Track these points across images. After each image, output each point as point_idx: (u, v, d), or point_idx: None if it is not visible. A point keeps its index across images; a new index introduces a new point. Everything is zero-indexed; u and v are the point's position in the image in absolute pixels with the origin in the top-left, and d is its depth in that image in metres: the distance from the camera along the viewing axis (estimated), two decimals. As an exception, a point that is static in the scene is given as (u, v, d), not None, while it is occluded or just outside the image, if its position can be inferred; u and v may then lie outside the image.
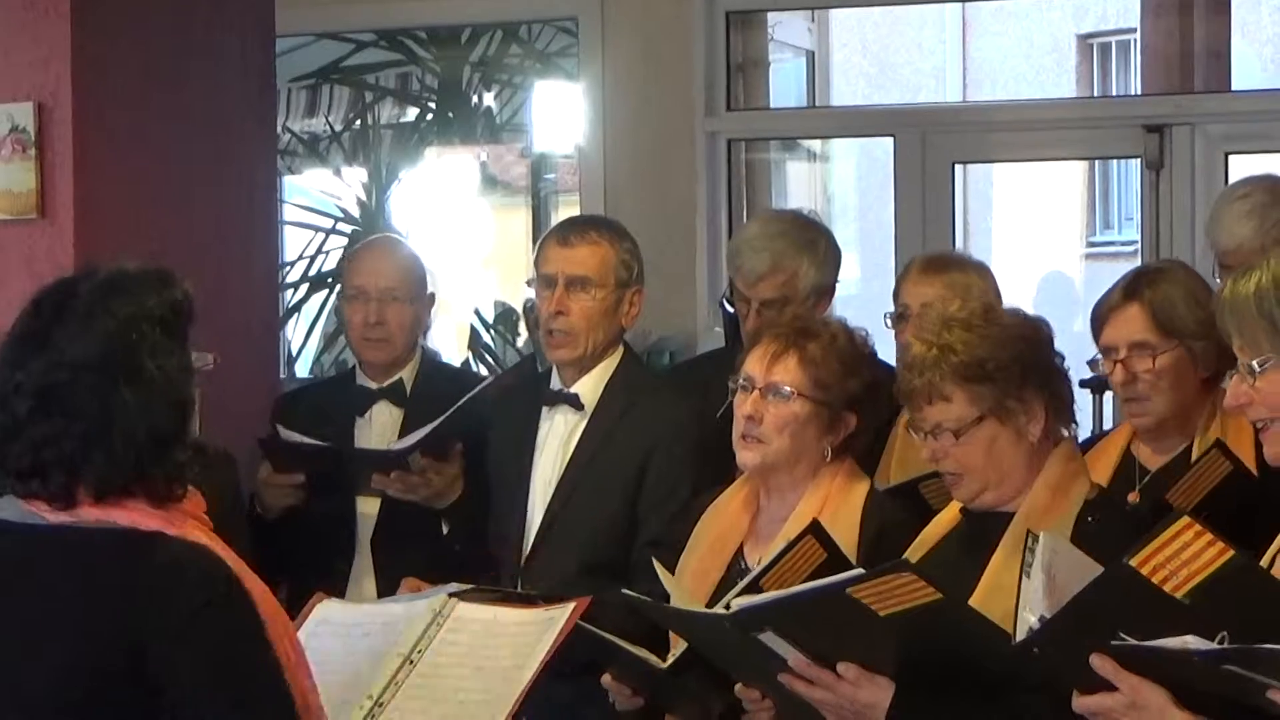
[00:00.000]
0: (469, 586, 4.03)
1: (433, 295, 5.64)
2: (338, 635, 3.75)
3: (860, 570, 3.46)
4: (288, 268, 7.66)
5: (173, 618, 3.07)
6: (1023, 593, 3.24)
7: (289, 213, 7.13)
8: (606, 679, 4.13)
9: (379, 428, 5.38)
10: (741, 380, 4.21)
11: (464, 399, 5.14)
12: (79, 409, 3.12)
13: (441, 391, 5.35)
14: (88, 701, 3.13)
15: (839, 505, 4.10)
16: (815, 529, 3.77)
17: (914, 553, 3.81)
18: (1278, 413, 3.08)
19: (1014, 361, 3.71)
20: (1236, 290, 3.10)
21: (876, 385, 4.21)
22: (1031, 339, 3.81)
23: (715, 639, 3.75)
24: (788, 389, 4.13)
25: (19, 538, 3.20)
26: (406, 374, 5.45)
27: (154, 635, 3.08)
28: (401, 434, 5.27)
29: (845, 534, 3.95)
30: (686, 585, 4.14)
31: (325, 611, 3.92)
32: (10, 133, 5.19)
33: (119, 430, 3.11)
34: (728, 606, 3.63)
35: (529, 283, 5.13)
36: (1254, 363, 3.06)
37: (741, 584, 3.79)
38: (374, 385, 5.44)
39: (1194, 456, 4.21)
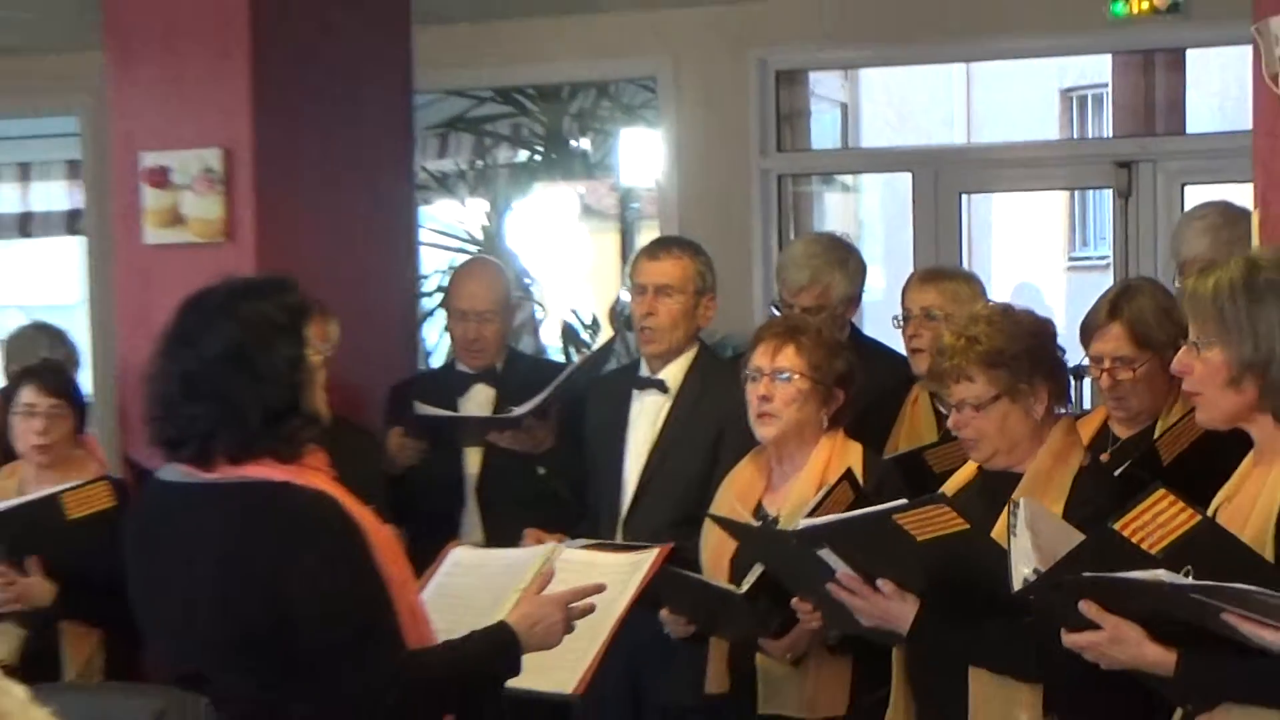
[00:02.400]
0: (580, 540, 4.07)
1: (523, 301, 5.65)
2: (468, 574, 3.74)
3: (904, 500, 3.47)
4: (424, 280, 7.60)
5: (298, 547, 3.13)
6: (1013, 550, 3.21)
7: (424, 236, 7.08)
8: (663, 613, 4.16)
9: (476, 403, 5.42)
10: (751, 371, 4.23)
11: (561, 376, 5.19)
12: (211, 392, 3.18)
13: (525, 374, 5.46)
14: (233, 610, 3.18)
15: (842, 463, 4.08)
16: (849, 476, 3.91)
17: None
18: (1206, 387, 3.07)
19: (1025, 352, 3.68)
20: (1198, 286, 3.09)
21: (853, 367, 4.26)
22: (1040, 335, 3.79)
23: (781, 554, 3.78)
24: (789, 373, 4.15)
25: (180, 492, 3.26)
26: (498, 363, 5.50)
27: (283, 561, 3.13)
28: (495, 408, 5.33)
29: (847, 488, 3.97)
30: (717, 533, 4.18)
31: (458, 555, 3.92)
32: (203, 172, 5.20)
33: (241, 409, 3.17)
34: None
35: (626, 289, 5.13)
36: (1198, 341, 3.06)
37: (804, 514, 3.82)
38: (472, 370, 5.49)
39: (1156, 434, 4.16)
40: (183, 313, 3.29)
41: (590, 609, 3.49)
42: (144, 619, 3.41)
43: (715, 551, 4.17)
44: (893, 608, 3.53)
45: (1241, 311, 3.00)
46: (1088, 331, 4.29)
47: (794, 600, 3.87)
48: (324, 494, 3.19)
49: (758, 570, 3.90)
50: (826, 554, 3.55)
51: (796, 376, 4.15)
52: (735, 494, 4.24)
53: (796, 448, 4.18)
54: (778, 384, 4.16)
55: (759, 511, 4.16)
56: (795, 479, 4.13)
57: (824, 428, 4.19)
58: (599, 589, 3.55)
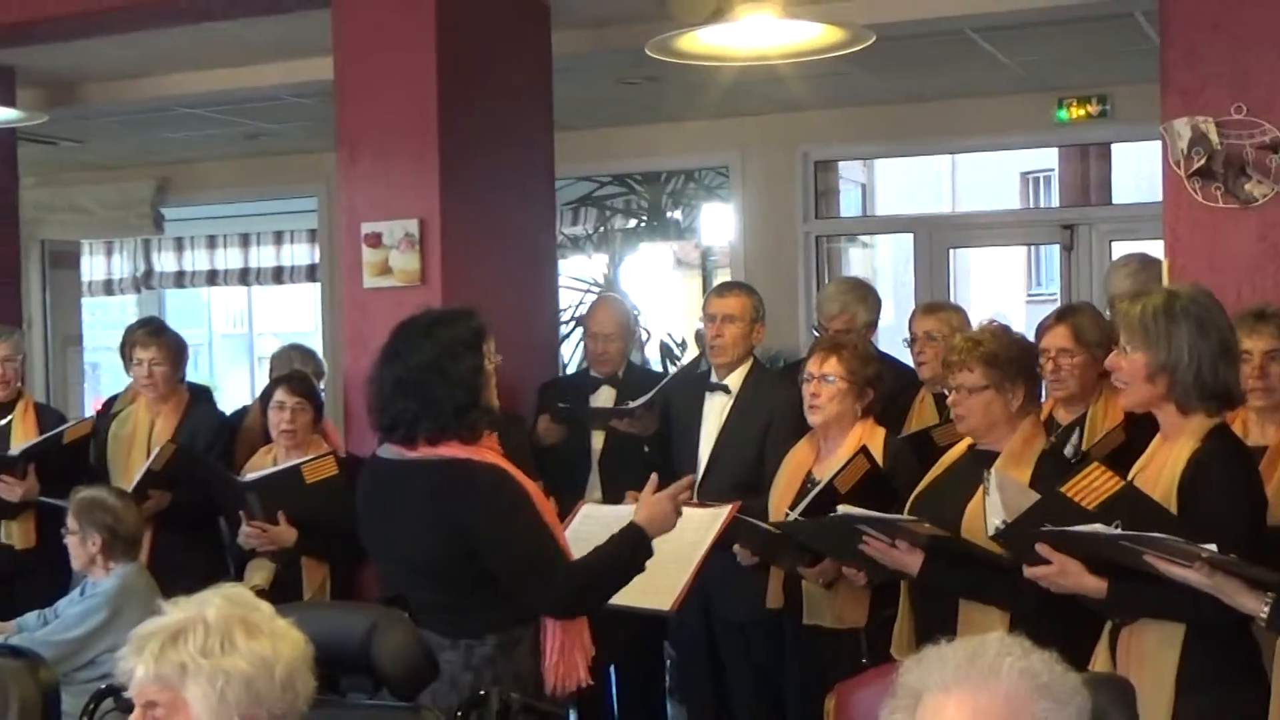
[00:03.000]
0: None
1: (637, 326, 5.62)
2: (595, 524, 3.70)
3: (906, 517, 3.56)
4: (562, 313, 7.60)
5: (480, 505, 3.15)
6: (987, 506, 3.23)
7: (562, 281, 7.08)
8: (736, 546, 4.13)
9: (602, 399, 5.39)
10: (805, 375, 4.21)
11: (664, 382, 5.19)
12: (414, 393, 3.19)
13: (637, 379, 5.45)
14: (438, 561, 3.19)
15: (869, 443, 4.05)
16: (864, 451, 3.91)
17: (934, 471, 3.77)
18: (1130, 380, 3.07)
19: (1012, 360, 3.65)
20: (1130, 307, 3.09)
21: (882, 372, 4.24)
22: (1026, 351, 3.77)
23: (828, 532, 3.76)
24: (832, 377, 4.12)
25: (393, 465, 3.28)
26: (620, 370, 5.47)
27: (471, 517, 3.15)
28: (616, 404, 5.29)
29: (876, 458, 3.97)
30: (778, 491, 4.19)
31: (587, 510, 3.92)
32: (405, 236, 5.20)
33: (437, 405, 3.19)
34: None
35: (700, 320, 5.11)
36: (1126, 346, 3.06)
37: (819, 486, 3.83)
38: (601, 376, 5.46)
39: (1087, 420, 4.13)
40: (394, 335, 3.31)
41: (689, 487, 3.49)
42: (371, 553, 3.44)
43: (777, 505, 4.15)
44: (906, 558, 3.54)
45: (1161, 327, 3.00)
46: (1040, 332, 4.26)
47: (845, 570, 3.91)
48: (497, 465, 3.21)
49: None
50: (864, 528, 3.57)
51: (837, 379, 4.11)
52: (794, 464, 4.22)
53: (837, 431, 4.14)
54: (823, 385, 4.12)
55: (809, 477, 4.13)
56: (835, 454, 4.09)
57: (858, 417, 4.15)
58: (690, 484, 3.55)
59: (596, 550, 3.30)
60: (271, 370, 5.97)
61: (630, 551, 3.32)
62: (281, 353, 6.14)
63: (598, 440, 5.30)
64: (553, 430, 5.27)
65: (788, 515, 3.93)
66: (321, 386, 5.66)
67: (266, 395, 5.11)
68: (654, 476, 3.58)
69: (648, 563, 3.37)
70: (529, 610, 3.22)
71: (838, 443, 4.13)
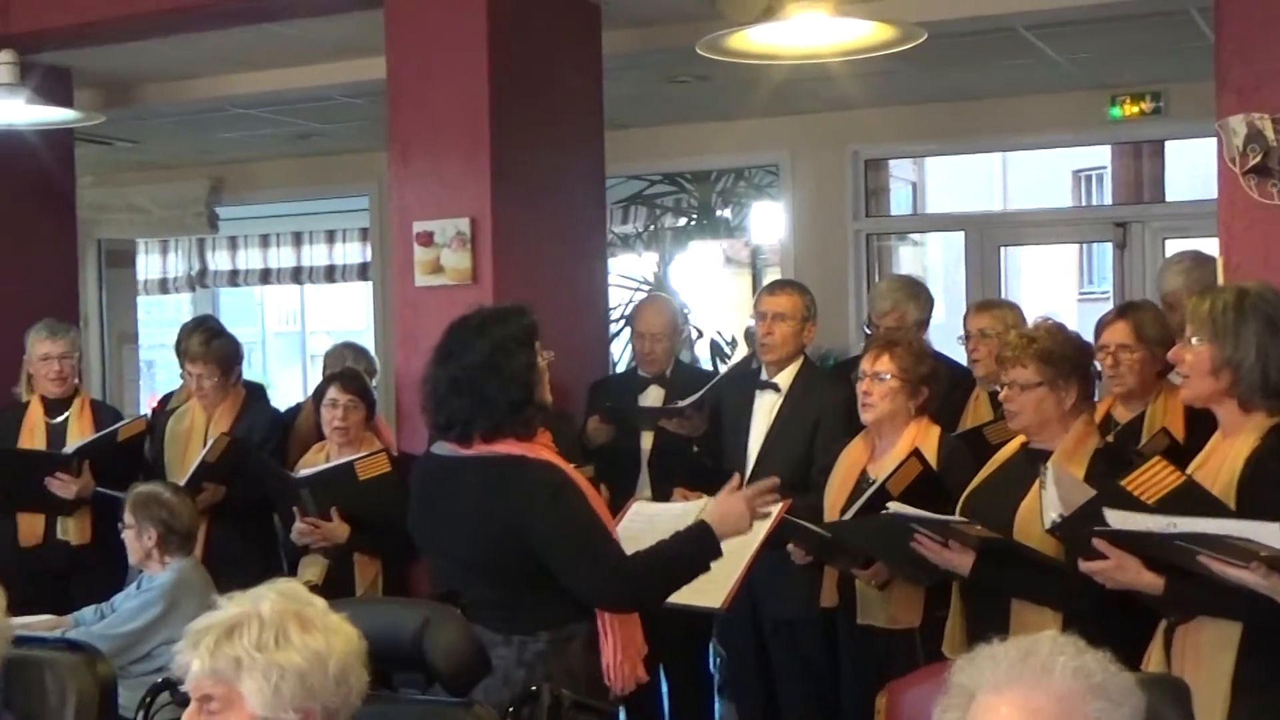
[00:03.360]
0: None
1: (686, 325, 5.60)
2: (645, 522, 3.71)
3: (957, 518, 3.53)
4: (612, 310, 7.61)
5: (535, 501, 3.15)
6: (1043, 500, 3.21)
7: (611, 280, 7.07)
8: (790, 545, 4.10)
9: (651, 399, 5.39)
10: (859, 373, 4.19)
11: (713, 382, 5.16)
12: (469, 392, 3.20)
13: (686, 378, 5.42)
14: (492, 557, 3.20)
15: (923, 442, 4.03)
16: (917, 453, 3.88)
17: (987, 469, 3.74)
18: (1193, 373, 3.05)
19: (1067, 358, 3.61)
20: (1199, 301, 3.08)
21: (937, 370, 4.19)
22: (1080, 349, 3.71)
23: (878, 533, 3.76)
24: (886, 374, 4.09)
25: (448, 462, 3.28)
26: (668, 369, 5.46)
27: (526, 513, 3.15)
28: (664, 403, 5.28)
29: (928, 458, 3.94)
30: (833, 490, 4.16)
31: (637, 507, 3.92)
32: (457, 235, 5.21)
33: (491, 403, 3.19)
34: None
35: (751, 317, 5.09)
36: (1192, 339, 3.04)
37: (873, 488, 3.79)
38: (649, 375, 5.45)
39: (1146, 418, 4.10)
40: (447, 334, 3.31)
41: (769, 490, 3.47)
42: (424, 550, 3.45)
43: (832, 505, 4.14)
44: (957, 558, 3.52)
45: (1230, 322, 2.98)
46: (1100, 328, 4.23)
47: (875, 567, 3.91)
48: (552, 462, 3.22)
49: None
50: (915, 526, 3.56)
51: (890, 377, 4.08)
52: (849, 463, 4.19)
53: (891, 429, 4.11)
54: (876, 383, 4.09)
55: (863, 476, 4.10)
56: (889, 453, 4.06)
57: (912, 415, 4.11)
58: (773, 486, 3.52)
59: (659, 545, 3.29)
60: (325, 368, 6.00)
61: (695, 550, 3.30)
62: (335, 350, 6.17)
63: (647, 440, 5.29)
64: (602, 430, 5.27)
65: (841, 516, 3.92)
66: (374, 384, 5.68)
67: (319, 393, 5.14)
68: (735, 476, 3.58)
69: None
70: (584, 603, 3.22)
71: (892, 441, 4.09)
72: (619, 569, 3.20)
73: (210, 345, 5.35)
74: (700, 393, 5.03)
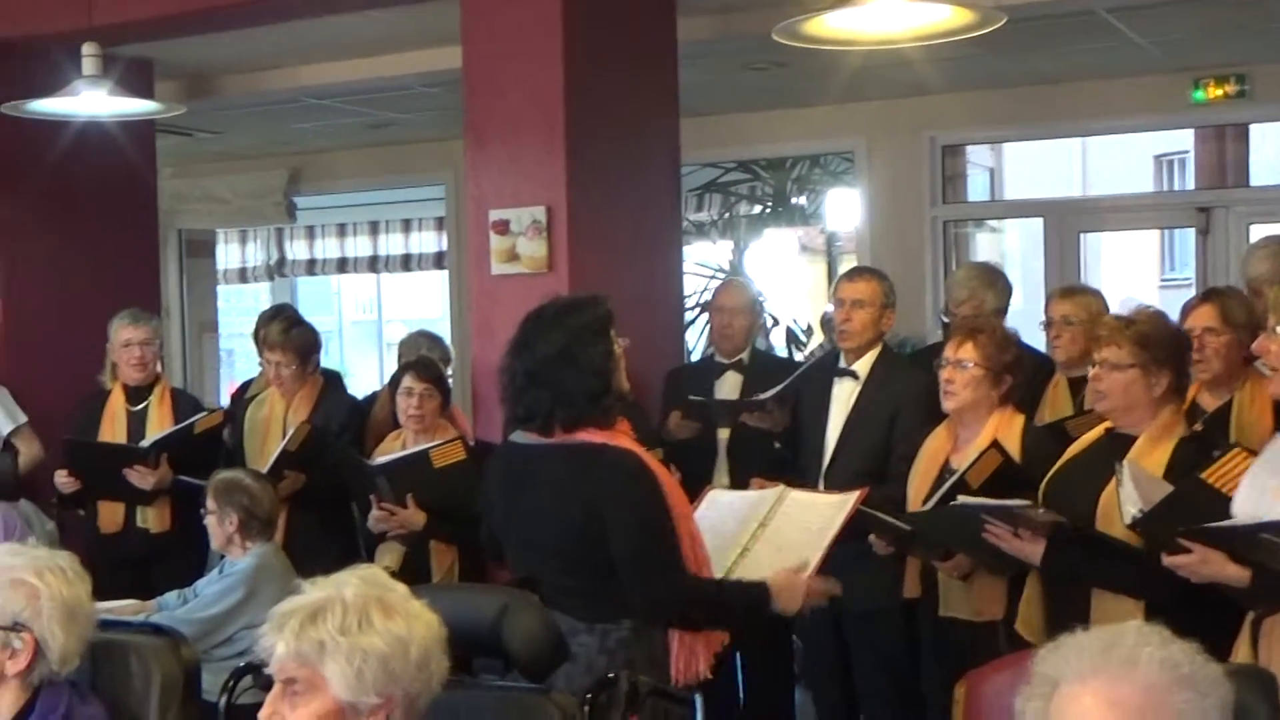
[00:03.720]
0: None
1: (763, 311, 5.59)
2: (721, 510, 3.69)
3: (1022, 502, 3.50)
4: (687, 299, 7.61)
5: (613, 489, 3.16)
6: (1121, 496, 3.19)
7: (686, 267, 7.07)
8: (872, 537, 4.07)
9: (729, 386, 5.36)
10: (941, 360, 4.14)
11: (797, 373, 5.11)
12: (547, 383, 3.20)
13: (764, 366, 5.40)
14: (573, 545, 3.20)
15: (1006, 432, 3.98)
16: (996, 445, 3.84)
17: (1068, 455, 3.71)
18: (1278, 364, 3.00)
19: (1162, 344, 3.56)
20: None
21: (1021, 358, 4.14)
22: (1177, 339, 3.68)
23: (950, 523, 3.75)
24: (968, 362, 4.05)
25: (528, 450, 3.29)
26: (745, 356, 5.43)
27: (604, 499, 3.16)
28: (742, 394, 5.26)
29: (1012, 448, 3.90)
30: (916, 480, 4.13)
31: (713, 496, 3.88)
32: (532, 224, 5.23)
33: (569, 394, 3.20)
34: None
35: (829, 302, 5.08)
36: (1277, 328, 3.00)
37: (951, 479, 3.76)
38: (725, 362, 5.43)
39: (1233, 407, 4.04)
40: (523, 325, 3.31)
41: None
42: (503, 537, 3.46)
43: (914, 495, 4.11)
44: (1028, 547, 3.50)
45: None
46: (1185, 312, 4.19)
47: (956, 559, 3.90)
48: (631, 451, 3.21)
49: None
50: (986, 517, 3.54)
51: (972, 365, 4.03)
52: (931, 452, 4.15)
53: (974, 418, 4.06)
54: (959, 370, 4.05)
55: (946, 465, 4.07)
56: (972, 442, 4.01)
57: (995, 404, 4.06)
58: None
59: (719, 583, 3.29)
60: (400, 356, 6.04)
61: (748, 604, 3.29)
62: (410, 339, 6.20)
63: (725, 433, 5.26)
64: (684, 427, 5.23)
65: (922, 507, 3.89)
66: (449, 373, 5.71)
67: (395, 381, 5.16)
68: (780, 489, 3.58)
69: (775, 551, 3.36)
70: (629, 600, 3.19)
71: (974, 431, 4.05)
72: (680, 588, 3.18)
73: (289, 334, 5.41)
74: (782, 385, 5.00)
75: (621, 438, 3.23)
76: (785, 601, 3.32)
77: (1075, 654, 1.75)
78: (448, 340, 6.60)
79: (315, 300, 14.04)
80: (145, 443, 5.33)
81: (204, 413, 5.52)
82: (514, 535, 3.40)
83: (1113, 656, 1.72)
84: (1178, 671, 1.70)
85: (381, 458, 4.92)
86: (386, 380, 5.75)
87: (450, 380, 5.44)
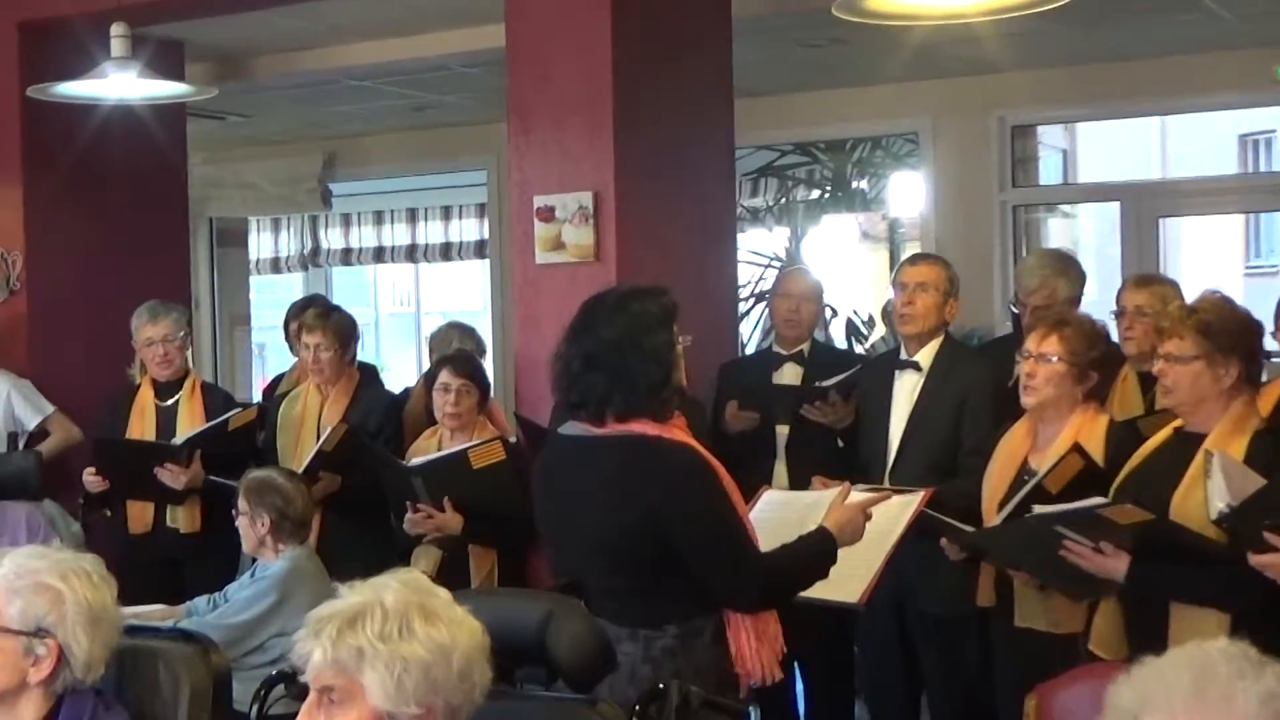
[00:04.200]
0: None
1: (829, 304, 5.58)
2: (778, 511, 3.69)
3: (1103, 499, 3.46)
4: (742, 288, 7.58)
5: (673, 484, 3.18)
6: (1209, 490, 3.17)
7: (741, 255, 7.05)
8: (943, 542, 4.05)
9: (788, 378, 5.35)
10: (1024, 352, 4.08)
11: (856, 367, 5.10)
12: (605, 368, 3.22)
13: (825, 358, 5.40)
14: (621, 541, 3.22)
15: (1090, 432, 3.93)
16: (1078, 448, 3.77)
17: (1137, 457, 3.67)
18: None
19: (1229, 333, 3.52)
20: None
21: (1109, 355, 4.11)
22: (1246, 326, 3.61)
23: (1023, 539, 3.70)
24: (1052, 356, 3.99)
25: (578, 442, 3.31)
26: (806, 347, 5.41)
27: (662, 495, 3.17)
28: (804, 383, 5.24)
29: (1095, 450, 3.85)
30: (991, 482, 4.05)
31: (769, 496, 3.89)
32: (579, 210, 5.23)
33: (628, 380, 3.21)
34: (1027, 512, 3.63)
35: (891, 289, 5.06)
36: None
37: (1029, 485, 3.72)
38: (784, 352, 5.41)
39: None
40: (584, 310, 3.34)
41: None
42: (547, 537, 3.47)
43: (989, 499, 4.07)
44: (1110, 563, 3.47)
45: None
46: None
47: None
48: (689, 445, 3.23)
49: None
50: (1063, 530, 3.49)
51: (1056, 359, 3.98)
52: (1007, 452, 4.11)
53: (1055, 416, 4.01)
54: (1041, 364, 4.00)
55: (1024, 467, 4.03)
56: (1053, 443, 3.96)
57: (1079, 402, 4.01)
58: (886, 497, 3.53)
59: (785, 547, 3.30)
60: (431, 351, 6.05)
61: (819, 554, 3.33)
62: (440, 332, 6.19)
63: (784, 427, 5.23)
64: (741, 418, 5.21)
65: (999, 511, 3.86)
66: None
67: (431, 376, 5.18)
68: (846, 485, 3.57)
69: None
70: (714, 600, 3.22)
71: (1055, 430, 4.00)
72: (758, 569, 3.21)
73: (330, 316, 5.45)
74: (844, 375, 4.98)
75: (677, 431, 3.24)
76: (848, 537, 3.37)
77: (1161, 688, 1.69)
78: (489, 333, 6.60)
79: (351, 291, 14.10)
80: (177, 440, 5.37)
81: (237, 409, 5.56)
82: (558, 532, 3.42)
83: (1207, 693, 1.66)
84: (1276, 706, 1.66)
85: (418, 459, 4.94)
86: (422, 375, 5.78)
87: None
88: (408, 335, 16.02)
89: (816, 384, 5.06)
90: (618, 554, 3.22)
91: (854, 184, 9.30)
